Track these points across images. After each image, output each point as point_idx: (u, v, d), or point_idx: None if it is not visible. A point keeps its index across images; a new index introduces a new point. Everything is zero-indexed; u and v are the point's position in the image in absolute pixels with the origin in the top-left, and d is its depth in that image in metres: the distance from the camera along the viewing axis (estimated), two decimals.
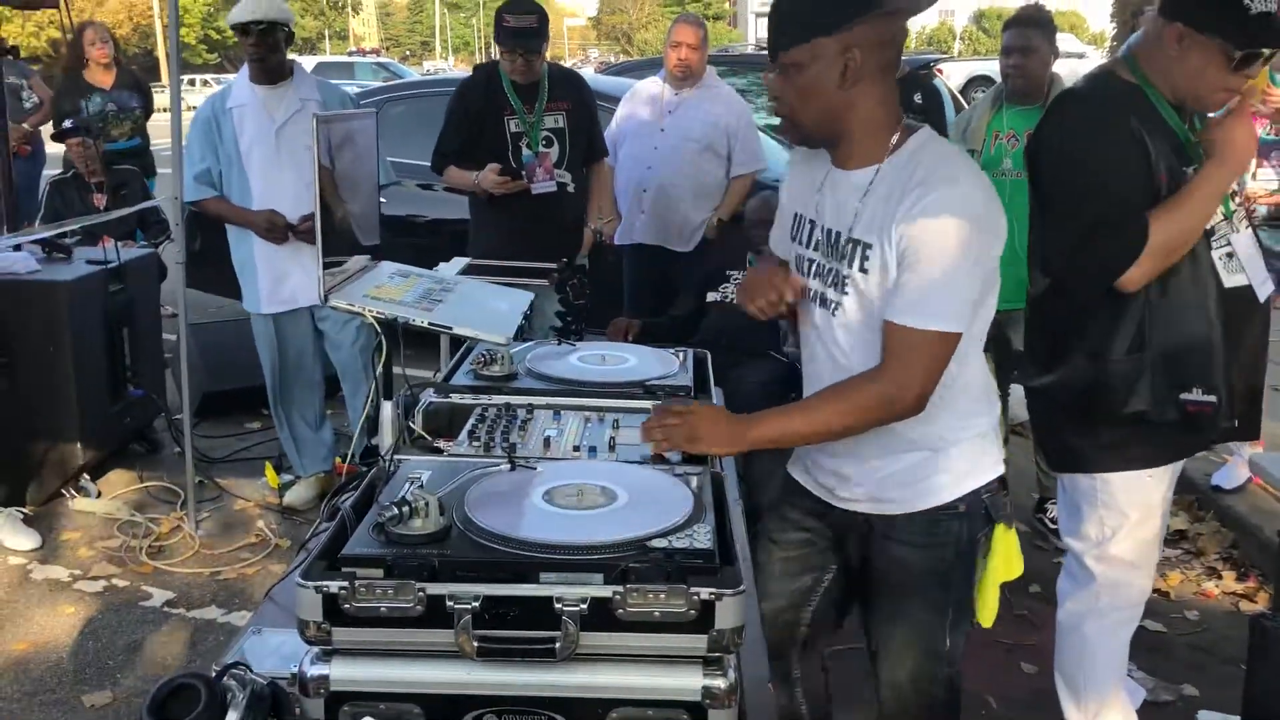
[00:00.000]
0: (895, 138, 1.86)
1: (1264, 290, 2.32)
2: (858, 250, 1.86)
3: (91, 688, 3.18)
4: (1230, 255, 2.28)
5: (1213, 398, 2.22)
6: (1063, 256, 2.33)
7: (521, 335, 2.27)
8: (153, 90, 7.51)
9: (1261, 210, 3.75)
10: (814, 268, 1.98)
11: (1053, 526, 4.01)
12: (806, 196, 2.00)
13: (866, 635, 2.14)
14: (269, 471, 4.45)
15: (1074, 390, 2.35)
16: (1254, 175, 3.79)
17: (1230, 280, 2.27)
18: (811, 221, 1.98)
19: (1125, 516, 2.41)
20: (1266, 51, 2.20)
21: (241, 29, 3.90)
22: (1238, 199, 2.37)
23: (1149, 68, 2.27)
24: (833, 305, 1.94)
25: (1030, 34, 3.83)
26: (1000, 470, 2.01)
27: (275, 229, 3.95)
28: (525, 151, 4.09)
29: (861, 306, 1.89)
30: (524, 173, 4.05)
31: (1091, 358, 2.31)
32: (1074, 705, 2.58)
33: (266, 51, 3.92)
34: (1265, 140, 3.75)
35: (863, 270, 1.86)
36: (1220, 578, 3.73)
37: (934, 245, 1.76)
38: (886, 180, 1.84)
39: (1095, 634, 2.51)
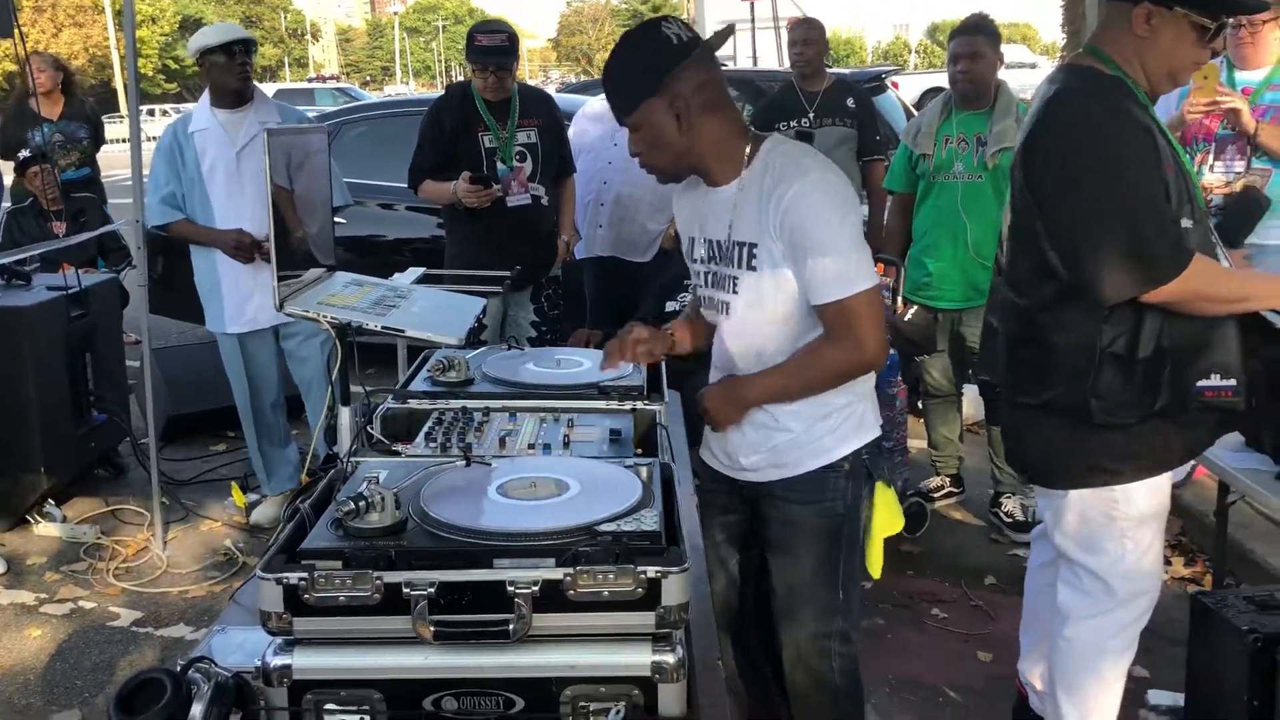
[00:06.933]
0: (748, 150, 2.09)
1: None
2: (743, 251, 2.10)
3: (60, 707, 3.20)
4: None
5: (1232, 380, 2.16)
6: (1093, 261, 2.12)
7: (474, 340, 2.33)
8: (109, 120, 7.46)
9: (1217, 200, 3.86)
10: (708, 277, 2.21)
11: (1007, 520, 4.10)
12: (691, 218, 2.24)
13: (769, 599, 2.30)
14: (235, 492, 4.47)
15: (1111, 400, 2.18)
16: (1211, 168, 3.89)
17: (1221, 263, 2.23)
18: (698, 239, 2.22)
19: (1146, 525, 2.30)
20: (1230, 21, 2.23)
21: (225, 50, 3.97)
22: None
23: (1119, 57, 2.20)
24: (724, 306, 2.17)
25: (976, 40, 3.94)
26: (877, 433, 2.22)
27: (243, 247, 4.01)
28: (500, 166, 4.18)
29: (752, 300, 2.11)
30: (499, 186, 4.13)
31: (1119, 362, 2.17)
32: (1074, 713, 2.48)
33: (249, 70, 4.03)
34: (1221, 135, 3.85)
35: (751, 268, 2.09)
36: (1169, 563, 3.82)
37: (814, 225, 2.00)
38: (749, 187, 2.08)
39: (1115, 649, 2.43)
